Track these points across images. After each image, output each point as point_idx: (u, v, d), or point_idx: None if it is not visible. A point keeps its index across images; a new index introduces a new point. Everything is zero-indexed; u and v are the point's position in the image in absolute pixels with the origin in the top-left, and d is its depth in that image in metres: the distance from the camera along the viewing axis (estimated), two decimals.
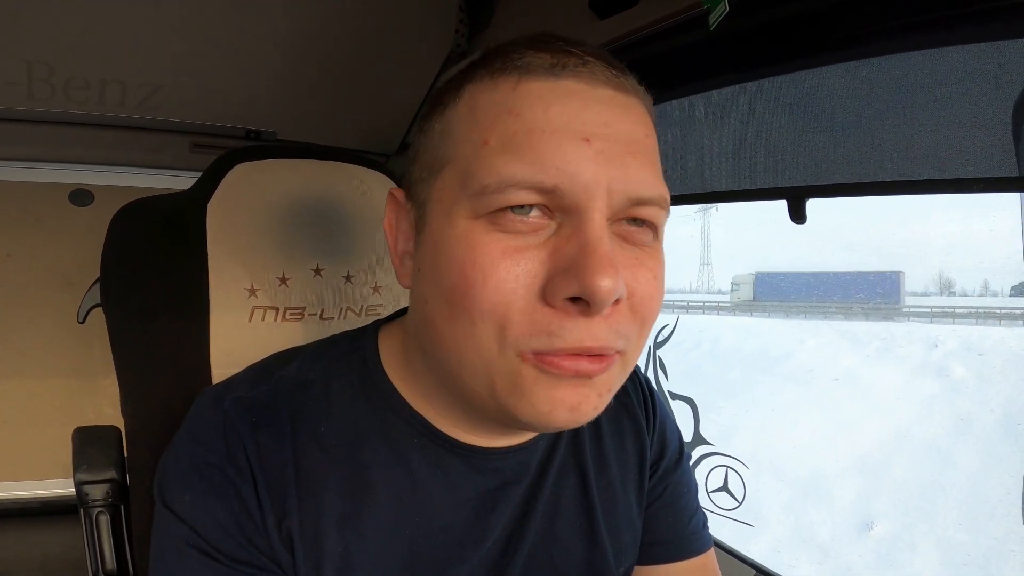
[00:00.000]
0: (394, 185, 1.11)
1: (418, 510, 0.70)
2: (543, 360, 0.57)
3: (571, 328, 0.56)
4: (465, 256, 0.58)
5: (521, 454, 0.76)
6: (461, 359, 0.61)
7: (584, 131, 0.57)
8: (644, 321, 0.62)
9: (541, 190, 0.56)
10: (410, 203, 0.68)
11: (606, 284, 0.53)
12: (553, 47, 0.61)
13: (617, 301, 0.57)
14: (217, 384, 0.75)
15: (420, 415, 0.72)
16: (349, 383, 0.73)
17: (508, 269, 0.56)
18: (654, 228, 0.63)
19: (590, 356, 0.58)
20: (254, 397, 0.70)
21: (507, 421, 0.63)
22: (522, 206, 0.57)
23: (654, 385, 0.97)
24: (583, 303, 0.55)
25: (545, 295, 0.56)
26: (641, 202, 0.59)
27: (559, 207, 0.58)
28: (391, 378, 0.74)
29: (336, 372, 0.74)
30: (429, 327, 0.64)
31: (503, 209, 0.57)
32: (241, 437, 0.67)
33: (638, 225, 0.62)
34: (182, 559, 0.64)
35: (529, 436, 0.77)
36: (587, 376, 0.59)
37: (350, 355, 0.76)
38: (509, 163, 0.56)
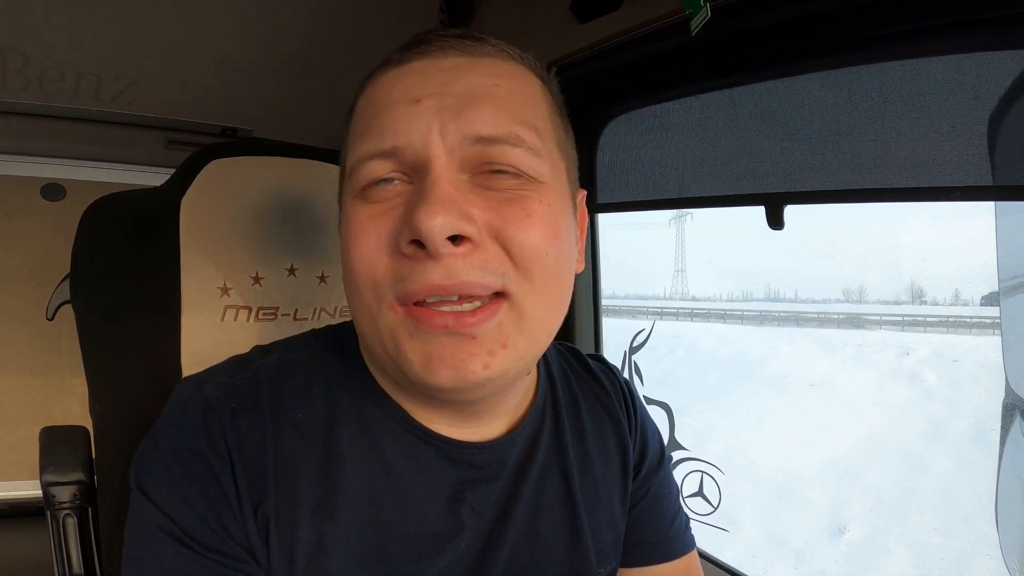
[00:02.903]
0: None
1: (393, 499, 0.71)
2: (410, 313, 0.62)
3: (420, 271, 0.60)
4: (346, 230, 0.66)
5: (498, 451, 0.76)
6: (361, 326, 0.67)
7: (417, 95, 0.63)
8: (527, 262, 0.63)
9: (384, 155, 0.63)
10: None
11: (433, 221, 0.57)
12: (414, 39, 0.69)
13: (467, 239, 0.60)
14: (197, 373, 0.74)
15: (397, 404, 0.73)
16: (328, 373, 0.75)
17: (372, 231, 0.62)
18: (520, 171, 0.65)
19: (467, 312, 0.61)
20: (235, 383, 0.71)
21: (409, 384, 0.67)
22: (384, 179, 0.64)
23: (634, 389, 0.98)
24: (410, 247, 0.60)
25: (394, 247, 0.61)
26: (483, 139, 0.63)
27: (409, 168, 0.63)
28: (371, 369, 0.75)
29: (316, 362, 0.75)
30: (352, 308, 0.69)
31: (369, 184, 0.64)
32: (221, 422, 0.67)
33: (497, 171, 0.64)
34: (154, 546, 0.64)
35: (503, 428, 0.78)
36: (462, 332, 0.61)
37: (330, 347, 0.78)
38: (359, 142, 0.65)
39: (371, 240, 0.62)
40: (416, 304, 0.61)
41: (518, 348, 0.64)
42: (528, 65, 0.71)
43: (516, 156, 0.64)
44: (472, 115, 0.62)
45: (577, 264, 0.73)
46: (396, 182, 0.64)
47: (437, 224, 0.57)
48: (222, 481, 0.65)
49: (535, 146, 0.65)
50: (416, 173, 0.63)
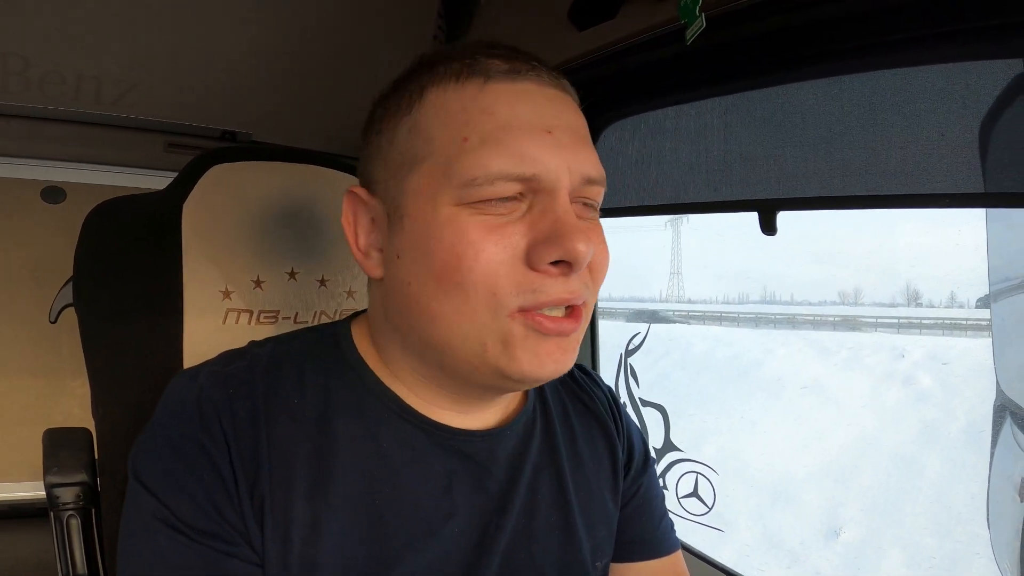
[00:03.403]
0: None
1: (386, 483, 0.73)
2: (530, 317, 0.66)
3: (552, 285, 0.66)
4: (455, 237, 0.66)
5: (488, 440, 0.79)
6: (452, 330, 0.68)
7: (545, 124, 0.68)
8: (598, 279, 0.74)
9: (522, 179, 0.66)
10: (376, 199, 0.74)
11: (583, 248, 0.65)
12: (504, 53, 0.71)
13: None
14: (191, 367, 0.77)
15: (391, 391, 0.76)
16: (322, 362, 0.77)
17: (495, 243, 0.65)
18: (596, 206, 0.75)
19: (565, 317, 0.69)
20: (230, 371, 0.73)
21: (495, 382, 0.71)
22: (503, 198, 0.66)
23: (619, 395, 1.01)
24: (563, 265, 0.66)
25: (530, 261, 0.66)
26: (591, 181, 0.70)
27: (532, 190, 0.67)
28: (364, 359, 0.78)
29: (310, 352, 0.78)
30: (413, 307, 0.70)
31: (488, 200, 0.66)
32: (216, 407, 0.69)
33: (585, 204, 0.72)
34: (149, 533, 0.65)
35: (495, 419, 0.82)
36: (566, 334, 0.69)
37: (325, 339, 0.80)
38: (492, 158, 0.65)
39: (497, 251, 0.65)
40: (528, 310, 0.67)
41: (579, 342, 0.73)
42: (575, 99, 0.76)
43: (599, 194, 0.74)
44: (584, 155, 0.70)
45: None
46: (512, 197, 0.67)
47: (584, 250, 0.65)
48: (218, 464, 0.67)
49: (605, 183, 0.74)
50: (536, 195, 0.67)
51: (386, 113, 0.74)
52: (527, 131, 0.66)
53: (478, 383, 0.73)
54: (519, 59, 0.70)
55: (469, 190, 0.66)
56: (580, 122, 0.73)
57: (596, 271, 0.72)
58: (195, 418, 0.68)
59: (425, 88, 0.70)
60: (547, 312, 0.68)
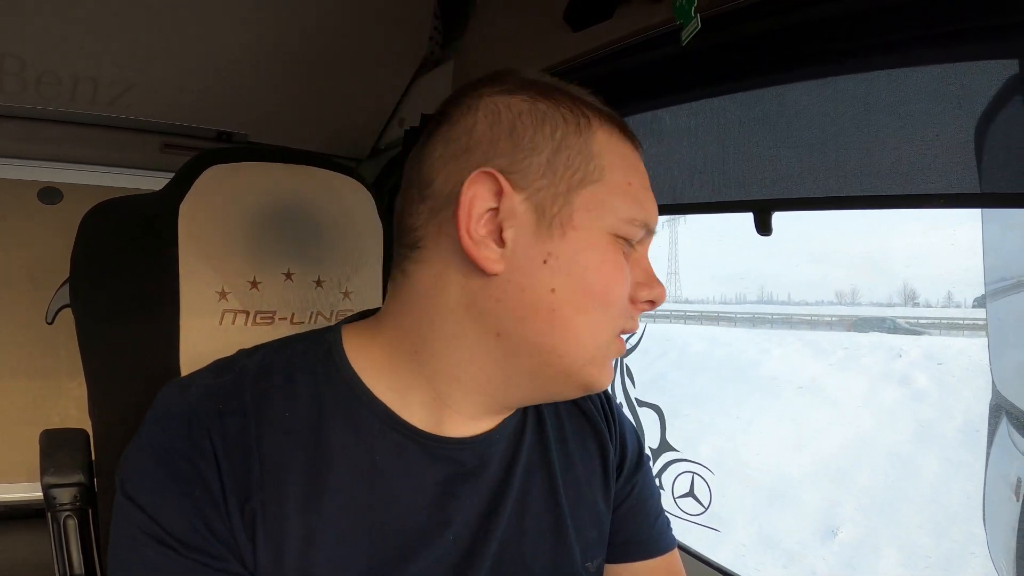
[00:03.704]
0: (364, 189, 1.14)
1: (381, 495, 0.72)
2: (619, 339, 0.78)
3: (637, 317, 0.79)
4: (612, 260, 0.73)
5: (480, 446, 0.79)
6: (579, 339, 0.72)
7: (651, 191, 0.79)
8: None
9: (648, 230, 0.77)
10: (520, 194, 0.70)
11: (664, 293, 0.79)
12: (623, 122, 0.80)
13: None
14: (181, 377, 0.76)
15: (382, 402, 0.75)
16: (312, 372, 0.75)
17: (626, 277, 0.74)
18: None
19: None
20: (219, 384, 0.72)
21: (565, 391, 0.78)
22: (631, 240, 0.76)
23: (611, 394, 1.01)
24: (648, 304, 0.78)
25: (632, 296, 0.76)
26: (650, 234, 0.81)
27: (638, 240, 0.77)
28: (355, 369, 0.76)
29: (300, 362, 0.76)
30: (548, 313, 0.71)
31: (628, 238, 0.75)
32: (205, 422, 0.68)
33: None
34: (137, 548, 0.65)
35: (489, 424, 0.81)
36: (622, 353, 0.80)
37: (315, 347, 0.78)
38: (642, 208, 0.75)
39: (626, 284, 0.75)
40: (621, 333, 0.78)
41: None
42: None
43: None
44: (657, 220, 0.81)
45: None
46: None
47: (665, 296, 0.79)
48: (208, 479, 0.66)
49: None
50: (631, 248, 0.76)
51: (550, 119, 0.72)
52: (651, 197, 0.78)
53: (548, 392, 0.79)
54: (630, 130, 0.81)
55: (624, 226, 0.73)
56: None
57: None
58: (184, 433, 0.68)
59: (592, 121, 0.75)
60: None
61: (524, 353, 0.72)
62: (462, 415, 0.77)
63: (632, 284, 0.76)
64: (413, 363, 0.75)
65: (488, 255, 0.70)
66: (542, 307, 0.70)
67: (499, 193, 0.70)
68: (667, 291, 0.80)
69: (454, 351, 0.74)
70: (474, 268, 0.70)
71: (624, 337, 0.79)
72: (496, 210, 0.70)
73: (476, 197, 0.70)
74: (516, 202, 0.70)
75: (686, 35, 0.97)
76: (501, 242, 0.70)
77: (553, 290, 0.70)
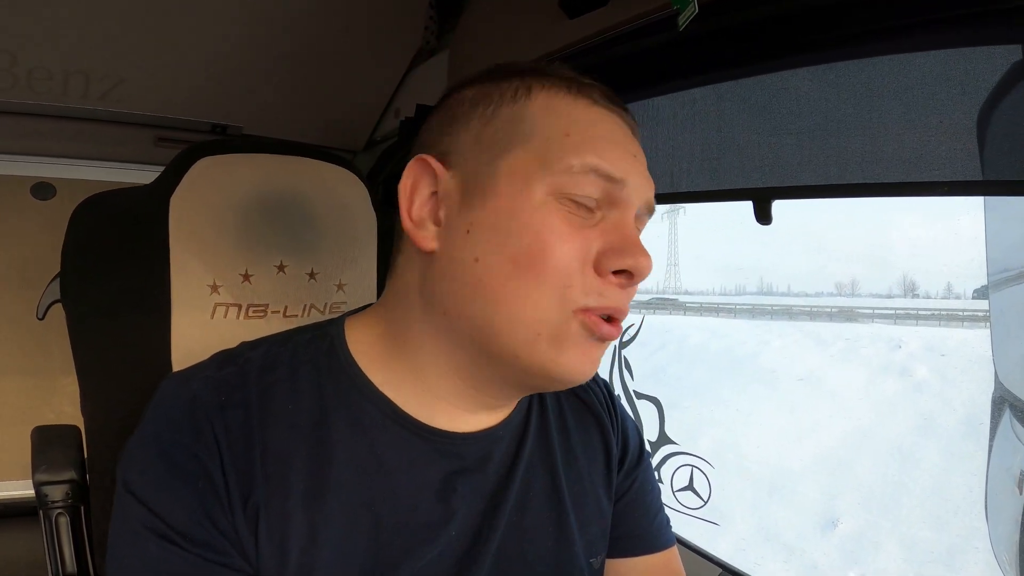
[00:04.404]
0: (359, 181, 1.12)
1: (383, 489, 0.72)
2: (588, 317, 0.68)
3: (614, 293, 0.70)
4: (543, 224, 0.68)
5: (483, 442, 0.78)
6: (512, 314, 0.68)
7: (631, 151, 0.73)
8: (632, 295, 0.76)
9: (610, 179, 0.69)
10: (451, 172, 0.73)
11: (648, 263, 0.70)
12: (603, 88, 0.76)
13: None
14: (183, 369, 0.75)
15: (385, 396, 0.75)
16: (315, 366, 0.75)
17: (575, 241, 0.68)
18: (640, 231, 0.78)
19: (612, 322, 0.71)
20: (222, 377, 0.72)
21: (529, 379, 0.73)
22: (588, 196, 0.69)
23: (613, 388, 1.01)
24: (624, 276, 0.70)
25: (597, 267, 0.69)
26: (650, 210, 0.77)
27: (610, 199, 0.71)
28: (358, 362, 0.76)
29: (303, 356, 0.76)
30: (474, 284, 0.70)
31: (578, 195, 0.69)
32: (209, 415, 0.68)
33: (636, 225, 0.75)
34: (138, 542, 0.64)
35: (493, 419, 0.81)
36: (610, 340, 0.72)
37: (317, 340, 0.78)
38: (590, 154, 0.69)
39: (575, 250, 0.68)
40: (589, 310, 0.69)
41: None
42: None
43: (645, 226, 0.79)
44: (649, 192, 0.75)
45: None
46: (593, 204, 0.70)
47: (648, 265, 0.70)
48: (211, 472, 0.66)
49: None
50: (610, 209, 0.71)
51: (484, 96, 0.74)
52: (619, 149, 0.71)
53: (513, 377, 0.73)
54: (612, 99, 0.76)
55: (562, 177, 0.68)
56: (645, 159, 0.77)
57: (634, 290, 0.75)
58: (187, 426, 0.67)
59: (532, 86, 0.73)
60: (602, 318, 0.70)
61: (468, 331, 0.72)
62: (458, 408, 0.77)
63: (597, 252, 0.69)
64: (402, 355, 0.76)
65: (424, 234, 0.73)
66: (469, 278, 0.70)
67: (436, 176, 0.74)
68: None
69: (425, 338, 0.75)
70: (422, 251, 0.74)
71: (604, 319, 0.71)
72: (436, 192, 0.74)
73: (416, 182, 0.75)
74: (446, 180, 0.73)
75: (683, 20, 0.96)
76: (439, 221, 0.73)
77: (476, 259, 0.69)
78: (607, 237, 0.69)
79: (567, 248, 0.67)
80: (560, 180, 0.68)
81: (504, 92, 0.73)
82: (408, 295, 0.76)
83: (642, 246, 0.70)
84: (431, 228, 0.73)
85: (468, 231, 0.70)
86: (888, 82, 1.00)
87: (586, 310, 0.68)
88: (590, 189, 0.69)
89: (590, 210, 0.70)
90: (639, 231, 0.76)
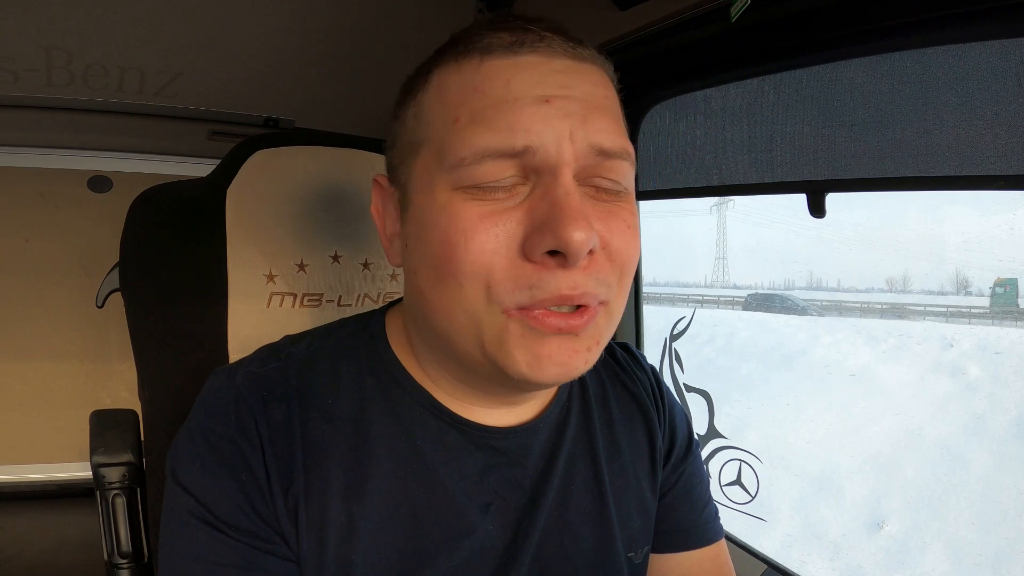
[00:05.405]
0: None
1: (421, 482, 0.72)
2: (528, 315, 0.62)
3: (550, 279, 0.61)
4: (448, 224, 0.62)
5: (521, 436, 0.78)
6: (450, 320, 0.65)
7: (544, 94, 0.62)
8: (623, 270, 0.67)
9: (513, 154, 0.61)
10: (393, 186, 0.74)
11: (579, 236, 0.58)
12: (511, 26, 0.65)
13: (591, 252, 0.62)
14: (229, 364, 0.77)
15: (424, 390, 0.75)
16: (356, 360, 0.77)
17: (487, 231, 0.61)
18: (621, 185, 0.67)
19: (572, 312, 0.63)
20: (265, 373, 0.73)
21: (501, 379, 0.67)
22: (499, 180, 0.62)
23: (662, 377, 0.98)
24: (561, 256, 0.60)
25: (524, 251, 0.61)
26: (605, 153, 0.64)
27: (531, 168, 0.62)
28: (398, 356, 0.77)
29: (344, 350, 0.77)
30: (420, 296, 0.68)
31: (482, 185, 0.62)
32: (252, 410, 0.69)
33: (601, 185, 0.65)
34: (187, 531, 0.66)
35: (530, 413, 0.80)
36: (572, 332, 0.63)
37: (358, 334, 0.80)
38: (480, 135, 0.61)
39: (488, 241, 0.61)
40: (526, 307, 0.62)
41: (605, 341, 0.69)
42: (608, 73, 0.71)
43: (623, 171, 0.66)
44: (596, 125, 0.63)
45: None
46: (510, 181, 0.62)
47: (582, 239, 0.58)
48: (253, 465, 0.67)
49: (633, 160, 0.68)
50: (538, 176, 0.62)
51: (404, 98, 0.72)
52: (519, 104, 0.61)
53: (489, 379, 0.70)
54: (528, 30, 0.65)
55: (458, 171, 0.62)
56: (599, 92, 0.66)
57: (619, 261, 0.66)
58: (231, 420, 0.69)
59: (431, 70, 0.68)
60: (553, 309, 0.63)
61: (434, 341, 0.71)
62: (478, 405, 0.77)
63: (522, 235, 0.61)
64: (419, 355, 0.77)
65: (393, 251, 0.74)
66: (414, 291, 0.70)
67: (387, 192, 0.74)
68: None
69: (423, 345, 0.75)
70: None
71: (560, 308, 0.63)
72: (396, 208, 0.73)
73: (379, 201, 0.76)
74: (394, 196, 0.74)
75: (735, 11, 0.95)
76: None
77: (414, 271, 0.69)
78: (534, 212, 0.61)
79: (476, 243, 0.61)
80: (457, 175, 0.62)
81: (415, 88, 0.70)
82: (405, 303, 0.78)
83: (572, 213, 0.59)
84: (397, 244, 0.73)
85: (406, 244, 0.70)
86: (943, 73, 0.98)
87: (522, 309, 0.62)
88: (495, 172, 0.61)
89: (518, 185, 0.63)
90: (613, 187, 0.66)
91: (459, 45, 0.66)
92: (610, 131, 0.65)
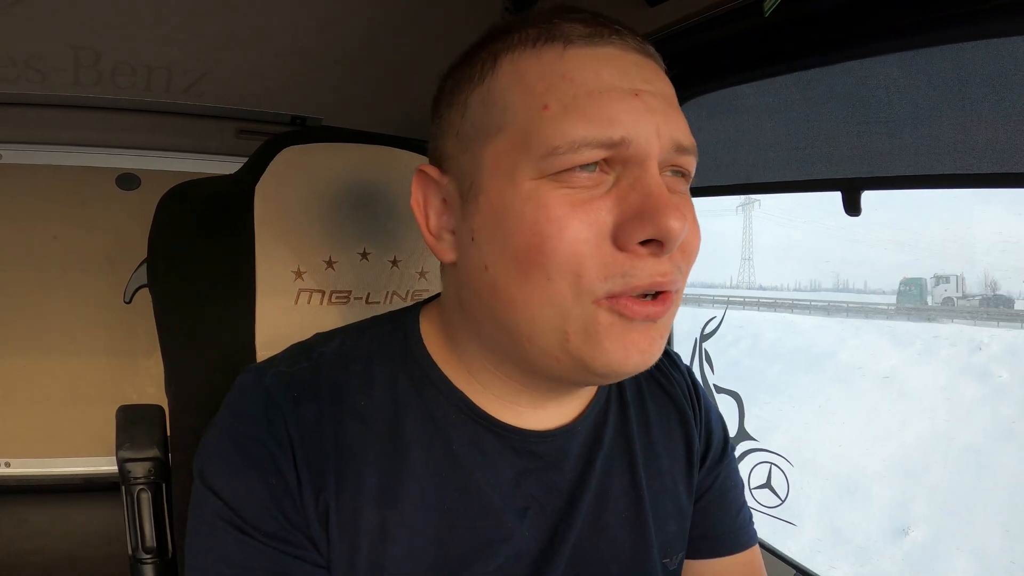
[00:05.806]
0: None
1: (456, 486, 0.71)
2: (617, 303, 0.61)
3: (643, 267, 0.60)
4: (537, 214, 0.60)
5: (558, 440, 0.76)
6: (533, 317, 0.63)
7: (632, 87, 0.62)
8: (690, 260, 0.67)
9: (609, 145, 0.60)
10: (447, 177, 0.70)
11: (677, 225, 0.58)
12: (584, 18, 0.65)
13: None
14: (259, 362, 0.75)
15: (460, 391, 0.73)
16: (390, 359, 0.74)
17: (581, 220, 0.60)
18: (688, 177, 0.68)
19: (654, 299, 0.63)
20: (295, 373, 0.71)
21: (576, 374, 0.66)
22: (587, 164, 0.60)
23: (698, 377, 0.96)
24: (654, 244, 0.60)
25: (617, 240, 0.60)
26: (682, 149, 0.64)
27: (620, 159, 0.61)
28: (433, 355, 0.75)
29: (378, 349, 0.75)
30: (490, 293, 0.65)
31: (570, 168, 0.60)
32: (282, 411, 0.68)
33: (677, 175, 0.67)
34: (215, 534, 0.65)
35: (570, 415, 0.78)
36: (654, 319, 0.63)
37: (392, 333, 0.77)
38: (576, 125, 0.60)
39: (582, 229, 0.60)
40: (616, 296, 0.61)
41: (668, 332, 0.68)
42: (661, 65, 0.70)
43: (692, 164, 0.67)
44: (676, 122, 0.64)
45: None
46: (596, 169, 0.61)
47: (679, 228, 0.59)
48: (283, 469, 0.66)
49: (697, 156, 0.68)
50: (624, 166, 0.62)
51: (457, 85, 0.69)
52: (613, 95, 0.61)
53: (558, 377, 0.68)
54: (601, 23, 0.65)
55: (549, 160, 0.60)
56: (670, 89, 0.67)
57: (689, 252, 0.66)
58: (261, 421, 0.67)
59: (499, 55, 0.65)
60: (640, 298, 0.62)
61: (500, 340, 0.68)
62: (520, 406, 0.74)
63: (614, 223, 0.60)
64: (458, 355, 0.74)
65: (443, 246, 0.70)
66: (484, 287, 0.66)
67: (436, 184, 0.71)
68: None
69: (470, 343, 0.73)
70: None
71: (645, 297, 0.62)
72: (446, 200, 0.70)
73: (425, 195, 0.71)
74: (447, 187, 0.70)
75: (769, 6, 0.93)
76: (454, 230, 0.70)
77: (486, 267, 0.65)
78: (625, 201, 0.61)
79: (569, 232, 0.60)
80: (547, 163, 0.60)
81: (473, 73, 0.67)
82: (450, 300, 0.74)
83: (668, 203, 0.59)
84: (448, 239, 0.70)
85: (472, 238, 0.66)
86: (980, 68, 0.96)
87: (612, 297, 0.61)
88: (587, 156, 0.60)
89: (601, 173, 0.62)
90: (683, 179, 0.68)
91: (530, 29, 0.65)
92: (685, 128, 0.65)
